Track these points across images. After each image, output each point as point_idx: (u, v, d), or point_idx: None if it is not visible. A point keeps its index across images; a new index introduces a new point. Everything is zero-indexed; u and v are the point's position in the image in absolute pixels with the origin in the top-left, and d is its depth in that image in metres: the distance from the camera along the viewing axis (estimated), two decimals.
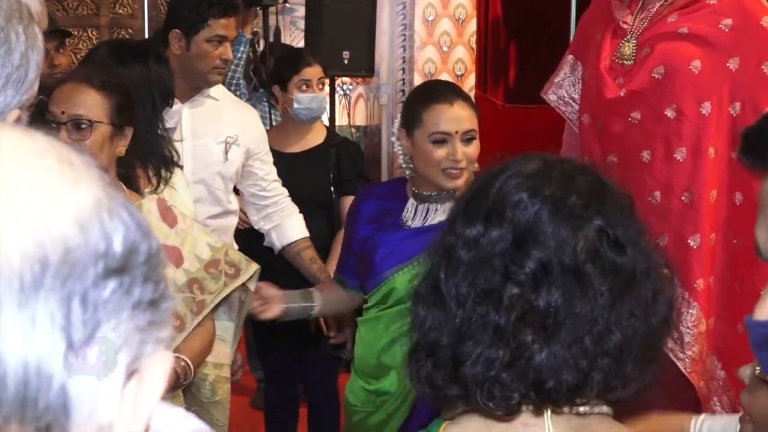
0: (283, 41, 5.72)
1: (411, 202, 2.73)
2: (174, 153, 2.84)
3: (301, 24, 6.11)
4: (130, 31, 6.89)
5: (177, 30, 3.33)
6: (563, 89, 3.13)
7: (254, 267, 2.68)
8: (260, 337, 4.23)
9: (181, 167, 2.90)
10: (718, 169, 2.75)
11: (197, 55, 3.32)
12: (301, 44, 5.90)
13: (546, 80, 3.19)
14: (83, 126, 2.37)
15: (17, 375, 0.53)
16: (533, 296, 1.16)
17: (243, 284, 2.69)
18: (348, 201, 3.89)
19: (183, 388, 2.52)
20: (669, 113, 2.77)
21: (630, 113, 2.82)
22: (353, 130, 6.86)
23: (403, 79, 6.88)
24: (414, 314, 1.26)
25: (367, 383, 2.76)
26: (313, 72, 4.03)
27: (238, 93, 4.70)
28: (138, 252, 0.59)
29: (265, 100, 4.83)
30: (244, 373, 4.30)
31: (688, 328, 2.75)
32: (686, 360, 2.76)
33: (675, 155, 2.77)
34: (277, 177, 3.66)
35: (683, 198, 2.77)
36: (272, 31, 5.39)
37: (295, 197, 3.72)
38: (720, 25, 2.75)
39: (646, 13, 2.88)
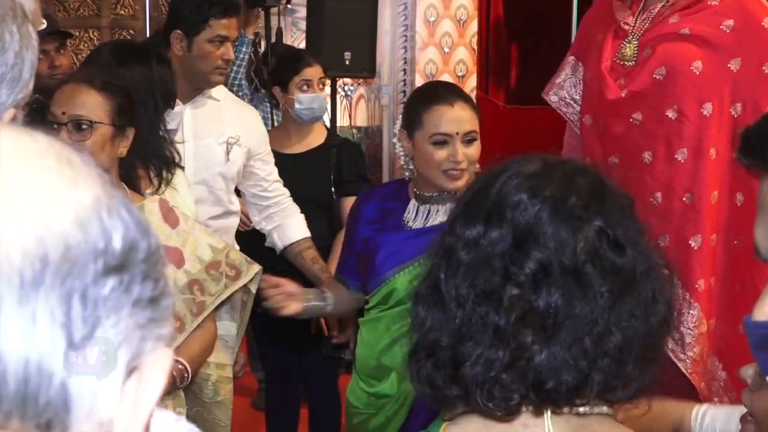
0: (284, 42, 5.73)
1: (413, 203, 2.73)
2: (175, 154, 2.85)
3: (303, 25, 6.12)
4: (131, 32, 6.89)
5: (178, 31, 3.33)
6: (564, 90, 3.13)
7: (255, 269, 2.68)
8: (261, 338, 4.23)
9: (183, 168, 2.90)
10: (720, 170, 2.75)
11: (199, 55, 3.33)
12: (303, 45, 5.90)
13: (547, 81, 3.19)
14: (84, 126, 2.37)
15: (18, 372, 0.53)
16: (533, 297, 1.16)
17: (245, 285, 2.70)
18: (348, 202, 3.89)
19: (182, 389, 2.52)
20: (670, 114, 2.77)
21: (631, 114, 2.82)
22: (354, 130, 6.86)
23: (405, 80, 6.89)
24: (414, 315, 1.26)
25: (367, 385, 2.76)
26: (314, 72, 4.04)
27: (240, 94, 4.70)
28: (137, 250, 0.60)
29: (266, 100, 4.84)
30: (246, 373, 4.32)
31: (689, 328, 2.75)
32: (687, 361, 2.76)
33: (676, 156, 2.77)
34: (278, 177, 3.67)
35: (684, 199, 2.77)
36: (274, 32, 5.39)
37: (296, 198, 3.73)
38: (721, 26, 2.76)
39: (648, 14, 2.88)
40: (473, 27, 7.00)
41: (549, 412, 1.22)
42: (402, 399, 2.67)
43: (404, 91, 6.84)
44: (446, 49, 6.92)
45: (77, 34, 6.72)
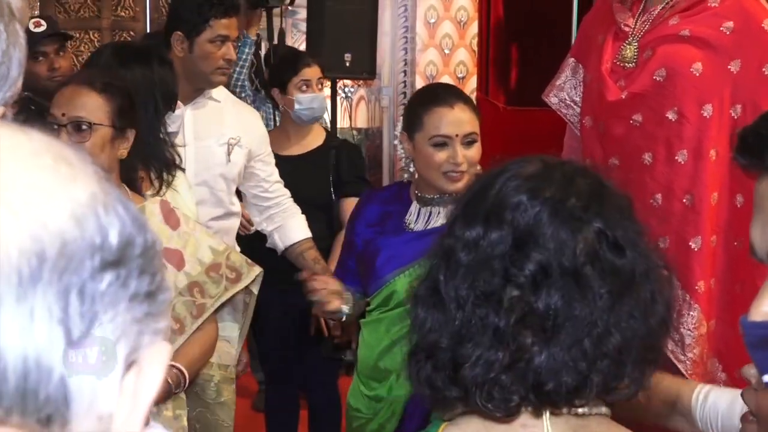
0: (286, 44, 5.73)
1: (414, 205, 2.73)
2: (176, 155, 2.85)
3: (303, 26, 6.12)
4: (131, 33, 6.89)
5: (179, 32, 3.33)
6: (565, 92, 3.13)
7: (256, 271, 2.69)
8: (261, 339, 4.23)
9: (183, 170, 2.90)
10: (719, 172, 2.75)
11: (200, 56, 3.33)
12: (303, 47, 5.91)
13: (547, 83, 3.20)
14: (83, 128, 2.37)
15: (17, 368, 0.53)
16: (533, 298, 1.16)
17: (247, 287, 2.70)
18: (347, 203, 3.90)
19: (182, 391, 2.52)
20: (670, 116, 2.77)
21: (631, 116, 2.82)
22: (354, 132, 6.87)
23: (405, 82, 6.89)
24: (413, 316, 1.26)
25: (367, 388, 2.76)
26: (312, 72, 4.04)
27: (243, 95, 4.70)
28: (134, 245, 0.60)
29: (269, 101, 4.84)
30: (246, 375, 4.32)
31: (689, 330, 2.75)
32: (687, 362, 2.76)
33: (676, 157, 2.78)
34: (279, 178, 3.67)
35: (684, 200, 2.77)
36: (276, 33, 5.40)
37: (295, 199, 3.73)
38: (721, 28, 2.76)
39: (648, 16, 2.89)
40: (473, 28, 7.00)
41: (548, 413, 1.22)
42: (394, 403, 2.67)
43: (404, 93, 6.85)
44: (446, 51, 6.93)
45: (77, 35, 6.73)
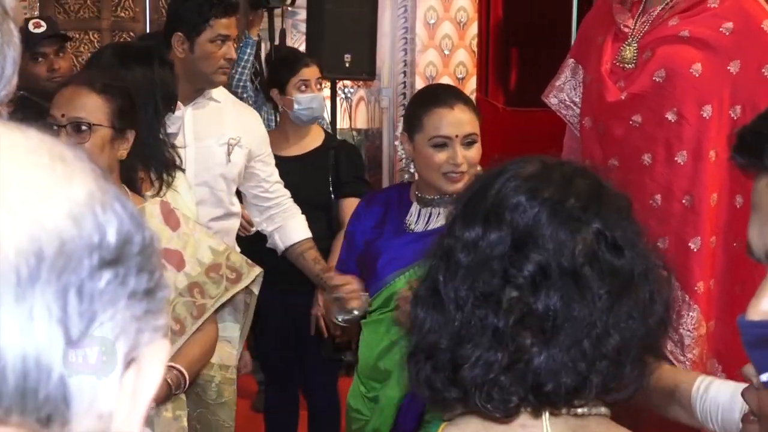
0: (287, 44, 5.74)
1: (415, 206, 2.73)
2: (176, 156, 2.85)
3: (303, 27, 6.12)
4: (131, 34, 6.88)
5: (179, 33, 3.34)
6: (564, 93, 3.13)
7: (256, 271, 2.69)
8: (261, 339, 4.24)
9: (183, 170, 2.90)
10: (719, 173, 2.75)
11: (201, 56, 3.33)
12: (303, 47, 5.91)
13: (547, 84, 3.20)
14: (83, 128, 2.38)
15: (16, 368, 0.53)
16: (532, 299, 1.17)
17: (247, 287, 2.70)
18: (347, 203, 3.91)
19: (183, 392, 2.52)
20: (670, 116, 2.77)
21: (631, 116, 2.82)
22: (354, 133, 6.87)
23: (405, 83, 6.89)
24: (413, 317, 1.26)
25: (366, 388, 2.76)
26: (311, 72, 4.04)
27: (245, 95, 4.70)
28: (132, 243, 0.60)
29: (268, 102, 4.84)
30: (245, 375, 4.32)
31: (689, 330, 2.75)
32: (687, 363, 2.76)
33: (676, 158, 2.78)
34: (279, 179, 3.68)
35: (684, 201, 2.77)
36: (277, 34, 5.40)
37: (295, 200, 3.74)
38: (721, 29, 2.76)
39: (648, 17, 2.89)
40: (473, 29, 7.00)
41: (547, 414, 1.22)
42: (386, 405, 2.68)
43: (404, 94, 6.85)
44: (446, 52, 6.93)
45: (77, 36, 6.73)
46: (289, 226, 3.71)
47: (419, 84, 6.70)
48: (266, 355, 4.26)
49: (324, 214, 3.98)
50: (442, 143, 2.60)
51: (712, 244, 2.77)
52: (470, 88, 6.83)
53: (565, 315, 1.16)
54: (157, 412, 2.46)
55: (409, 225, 2.72)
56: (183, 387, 2.46)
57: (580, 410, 1.23)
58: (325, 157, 4.04)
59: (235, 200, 3.55)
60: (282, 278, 3.62)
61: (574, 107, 3.11)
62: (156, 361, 0.63)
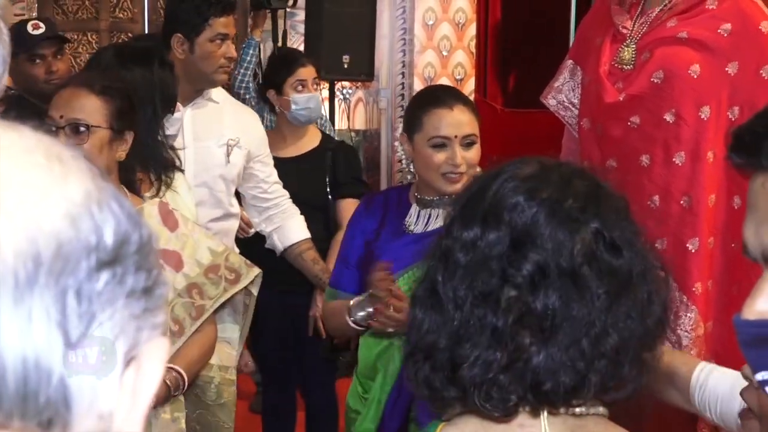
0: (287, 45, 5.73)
1: (414, 208, 2.73)
2: (175, 157, 2.85)
3: (301, 28, 6.12)
4: (130, 35, 6.87)
5: (178, 34, 3.34)
6: (563, 94, 3.14)
7: (255, 272, 2.69)
8: (260, 340, 4.24)
9: (183, 171, 2.90)
10: (717, 174, 2.76)
11: (201, 56, 3.33)
12: (301, 48, 5.91)
13: (545, 85, 3.20)
14: (81, 130, 2.37)
15: (16, 371, 0.53)
16: (531, 299, 1.17)
17: (246, 288, 2.70)
18: (344, 204, 3.91)
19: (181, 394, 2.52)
20: (668, 117, 2.78)
21: (629, 117, 2.83)
22: (353, 134, 6.86)
23: (403, 84, 6.90)
24: (411, 317, 1.26)
25: (364, 389, 2.76)
26: (308, 72, 4.04)
27: (247, 96, 4.70)
28: (129, 242, 0.60)
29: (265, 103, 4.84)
30: (243, 376, 4.32)
31: (686, 331, 2.75)
32: None
33: (674, 159, 2.78)
34: (278, 179, 3.68)
35: (682, 202, 2.78)
36: (280, 34, 5.40)
37: (292, 201, 3.74)
38: (719, 30, 2.76)
39: (646, 18, 2.89)
40: (472, 30, 7.01)
41: (545, 413, 1.23)
42: (373, 402, 2.68)
43: (402, 95, 6.85)
44: (444, 53, 6.93)
45: (75, 37, 6.72)
46: (288, 227, 3.71)
47: (417, 85, 6.70)
48: (265, 356, 4.26)
49: (321, 215, 3.98)
50: (441, 144, 2.61)
51: (710, 245, 2.77)
52: (468, 89, 6.83)
53: (564, 314, 1.17)
54: (156, 413, 2.46)
55: (409, 226, 2.72)
56: (182, 388, 2.46)
57: (578, 410, 1.23)
58: (322, 158, 4.04)
59: (234, 201, 3.55)
60: (281, 279, 3.62)
61: (573, 108, 3.11)
62: (155, 359, 0.63)
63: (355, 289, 2.76)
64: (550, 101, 3.16)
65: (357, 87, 6.96)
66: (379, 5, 6.19)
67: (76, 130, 2.37)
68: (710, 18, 2.79)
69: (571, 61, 3.14)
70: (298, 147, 4.05)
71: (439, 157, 2.61)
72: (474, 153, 2.63)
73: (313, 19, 5.73)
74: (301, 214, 3.76)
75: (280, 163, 3.75)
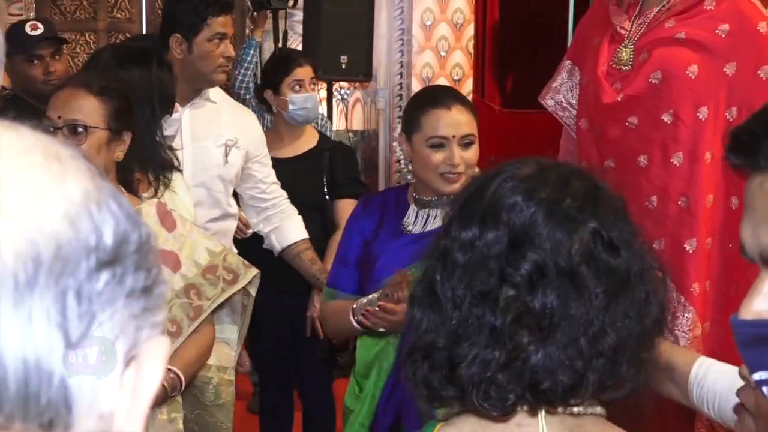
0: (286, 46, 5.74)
1: (412, 208, 2.73)
2: (173, 157, 2.85)
3: (300, 28, 6.12)
4: (127, 35, 6.87)
5: (177, 35, 3.33)
6: (561, 94, 3.14)
7: (253, 272, 2.68)
8: (258, 340, 4.24)
9: (181, 171, 2.90)
10: (715, 174, 2.76)
11: (200, 56, 3.33)
12: (300, 48, 5.91)
13: (543, 85, 3.20)
14: (79, 131, 2.37)
15: (17, 373, 0.53)
16: (529, 298, 1.17)
17: (245, 288, 2.70)
18: (342, 204, 3.91)
19: (178, 394, 2.52)
20: (666, 118, 2.78)
21: (627, 118, 2.83)
22: (350, 134, 6.87)
23: (401, 84, 6.89)
24: (410, 317, 1.27)
25: (361, 390, 2.76)
26: (305, 72, 4.04)
27: (248, 96, 4.70)
28: (128, 242, 0.60)
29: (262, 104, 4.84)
30: (241, 377, 4.32)
31: (684, 332, 2.75)
32: None
33: (672, 160, 2.78)
34: (276, 180, 3.68)
35: (680, 202, 2.78)
36: (281, 35, 5.40)
37: (289, 201, 3.74)
38: (717, 31, 2.76)
39: (644, 19, 2.89)
40: (470, 31, 7.00)
41: (543, 412, 1.23)
42: (369, 397, 2.68)
43: (401, 95, 6.85)
44: (443, 53, 6.93)
45: (73, 37, 6.72)
46: (286, 227, 3.71)
47: (415, 85, 6.70)
48: (263, 356, 4.26)
49: (319, 215, 3.98)
50: (440, 143, 2.61)
51: (708, 246, 2.77)
52: (467, 89, 6.83)
53: (562, 313, 1.17)
54: (153, 414, 2.46)
55: (407, 227, 2.72)
56: (179, 389, 2.46)
57: (575, 409, 1.24)
58: (319, 158, 4.04)
59: (233, 201, 3.55)
60: (278, 279, 3.62)
61: (571, 109, 3.11)
62: (156, 358, 0.63)
63: (353, 288, 2.76)
64: (548, 102, 3.16)
65: (355, 87, 6.96)
66: (377, 5, 6.18)
67: (73, 131, 2.37)
68: (708, 18, 2.79)
69: (569, 61, 3.14)
70: (295, 147, 4.05)
71: (437, 157, 2.61)
72: (472, 153, 2.63)
73: (312, 19, 5.73)
74: (299, 214, 3.76)
75: (277, 164, 3.75)
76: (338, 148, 4.20)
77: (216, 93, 3.50)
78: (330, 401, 4.14)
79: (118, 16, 6.98)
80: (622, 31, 2.91)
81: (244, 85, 4.76)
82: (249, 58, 4.82)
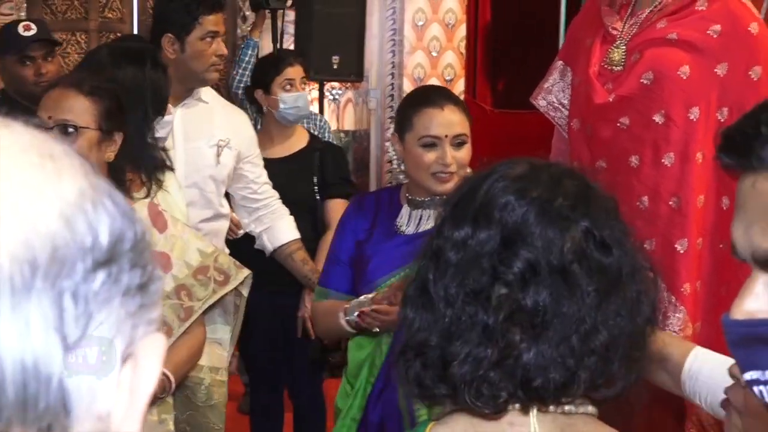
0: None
1: (405, 208, 2.73)
2: (166, 158, 2.84)
3: (291, 28, 6.12)
4: (119, 35, 6.86)
5: (169, 34, 3.33)
6: (552, 95, 3.14)
7: (244, 273, 2.68)
8: (249, 341, 4.24)
9: (173, 170, 2.89)
10: (706, 175, 2.76)
11: (193, 55, 3.33)
12: (292, 48, 5.91)
13: (535, 86, 3.20)
14: (69, 131, 2.36)
15: (15, 378, 0.53)
16: (521, 296, 1.18)
17: (237, 289, 2.69)
18: (332, 204, 3.91)
19: (169, 395, 2.52)
20: (657, 119, 2.78)
21: (619, 118, 2.83)
22: (342, 134, 6.87)
23: (393, 84, 6.90)
24: (403, 316, 1.27)
25: (352, 389, 2.76)
26: (295, 71, 4.04)
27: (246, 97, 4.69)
28: (124, 240, 0.59)
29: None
30: (232, 377, 4.32)
31: (675, 332, 2.75)
32: None
33: (663, 160, 2.78)
34: (267, 180, 3.68)
35: (671, 203, 2.78)
36: (279, 35, 5.39)
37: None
38: (708, 31, 2.77)
39: (636, 19, 2.89)
40: (461, 31, 7.01)
41: (535, 411, 1.23)
42: (360, 392, 2.68)
43: (392, 95, 6.85)
44: (434, 54, 6.94)
45: (64, 37, 6.70)
46: (278, 227, 3.71)
47: (407, 86, 6.71)
48: (254, 357, 4.26)
49: (309, 215, 3.98)
50: (432, 143, 2.61)
51: (699, 246, 2.78)
52: (458, 90, 6.83)
53: (554, 311, 1.17)
54: None
55: (400, 227, 2.71)
56: (168, 390, 2.45)
57: (567, 408, 1.24)
58: (310, 158, 4.04)
59: (224, 202, 3.55)
60: (270, 279, 3.61)
61: (563, 109, 3.11)
62: (152, 355, 0.62)
63: (346, 288, 2.76)
64: (540, 102, 3.16)
65: (346, 87, 6.96)
66: (368, 6, 6.19)
67: (64, 131, 2.36)
68: (700, 19, 2.79)
69: (560, 62, 3.14)
70: (285, 147, 4.05)
71: (430, 156, 2.61)
72: (464, 153, 2.63)
73: (303, 19, 5.73)
74: (289, 214, 3.76)
75: (268, 164, 3.75)
76: (328, 148, 4.21)
77: (207, 92, 3.49)
78: (321, 402, 4.14)
79: (110, 16, 6.96)
80: (614, 32, 2.91)
81: (242, 85, 4.76)
82: (247, 59, 4.82)
